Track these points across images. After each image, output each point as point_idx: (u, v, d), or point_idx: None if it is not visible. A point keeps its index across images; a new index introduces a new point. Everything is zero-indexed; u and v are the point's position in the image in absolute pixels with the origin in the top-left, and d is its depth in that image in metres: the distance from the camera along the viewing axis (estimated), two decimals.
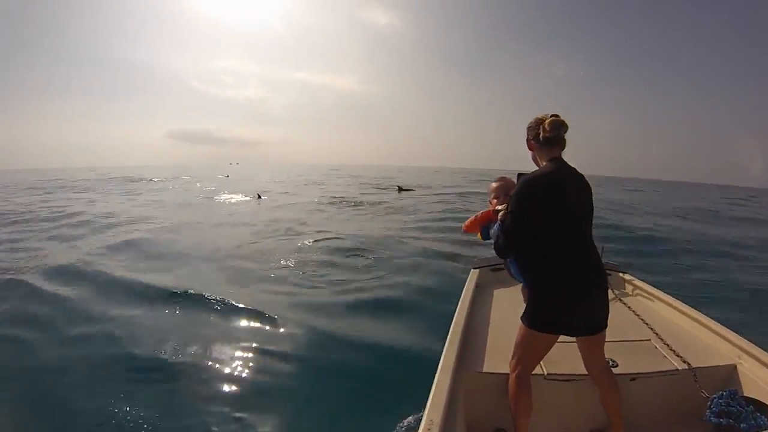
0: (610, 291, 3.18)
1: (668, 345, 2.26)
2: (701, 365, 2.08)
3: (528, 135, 1.86)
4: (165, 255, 7.43)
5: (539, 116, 1.81)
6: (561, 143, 1.80)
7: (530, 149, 1.89)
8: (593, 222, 1.85)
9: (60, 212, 13.68)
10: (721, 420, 1.71)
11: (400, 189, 23.91)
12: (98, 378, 3.25)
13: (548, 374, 1.99)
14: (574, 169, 1.79)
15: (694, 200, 30.20)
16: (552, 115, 1.77)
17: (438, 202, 18.64)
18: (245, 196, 21.48)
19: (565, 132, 1.77)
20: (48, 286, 5.39)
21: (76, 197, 20.35)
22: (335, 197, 19.82)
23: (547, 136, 1.76)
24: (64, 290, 5.25)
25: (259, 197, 21.32)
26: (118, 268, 6.40)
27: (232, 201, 19.66)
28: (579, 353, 1.85)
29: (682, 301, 2.88)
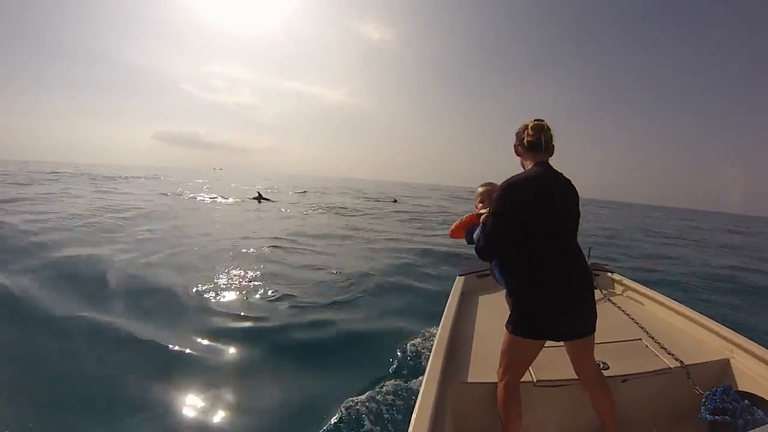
0: (598, 291, 3.17)
1: (659, 343, 2.22)
2: (694, 362, 2.03)
3: (515, 140, 1.85)
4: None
5: (526, 122, 1.81)
6: (548, 149, 1.77)
7: (518, 155, 1.87)
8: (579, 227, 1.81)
9: None
10: (717, 417, 1.66)
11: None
12: None
13: (537, 381, 1.92)
14: (560, 173, 1.76)
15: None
16: (535, 120, 1.77)
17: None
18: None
19: (549, 136, 1.75)
20: None
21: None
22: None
23: (530, 140, 1.74)
24: None
25: (260, 197, 20.65)
26: None
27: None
28: (568, 358, 1.79)
29: (672, 298, 2.86)
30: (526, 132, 1.76)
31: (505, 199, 1.68)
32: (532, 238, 1.66)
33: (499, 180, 1.87)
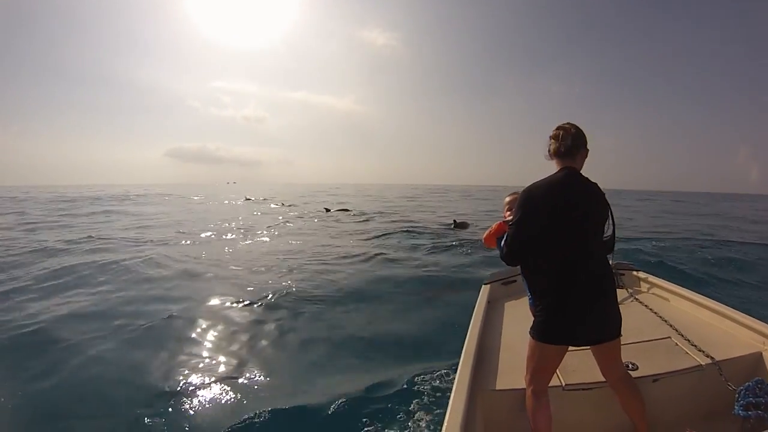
0: (623, 290, 3.13)
1: (689, 341, 2.19)
2: (725, 357, 2.01)
3: (547, 146, 1.85)
4: None
5: (559, 126, 1.81)
6: (570, 154, 1.75)
7: (550, 159, 1.86)
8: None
9: None
10: (750, 413, 1.65)
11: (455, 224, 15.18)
12: None
13: (566, 385, 1.94)
14: (585, 177, 1.77)
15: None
16: (557, 127, 1.79)
17: None
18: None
19: (569, 142, 1.74)
20: None
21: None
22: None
23: (551, 148, 1.78)
24: None
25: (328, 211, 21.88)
26: None
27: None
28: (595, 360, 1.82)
29: (700, 294, 2.81)
30: (555, 138, 1.78)
31: (525, 204, 1.72)
32: (551, 244, 1.69)
33: (509, 189, 1.91)
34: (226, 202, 32.94)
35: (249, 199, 36.24)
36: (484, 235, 2.18)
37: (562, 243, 1.69)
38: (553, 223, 1.68)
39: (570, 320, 1.68)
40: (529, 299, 1.83)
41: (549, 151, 1.82)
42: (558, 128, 1.79)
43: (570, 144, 1.75)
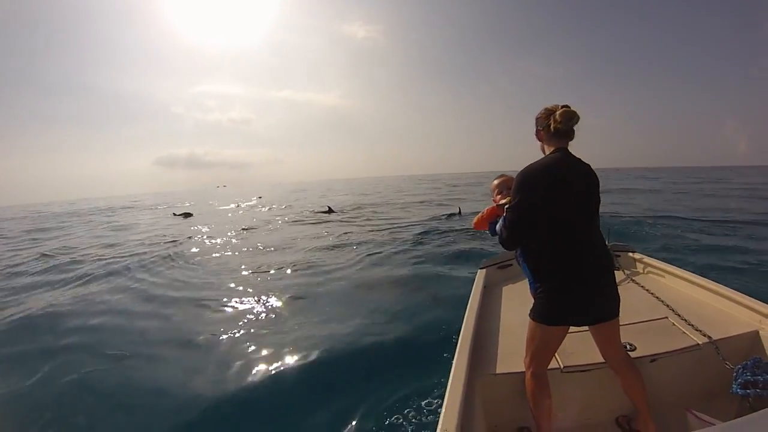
0: (620, 272, 3.15)
1: (686, 320, 2.20)
2: (722, 336, 2.02)
3: (537, 126, 1.83)
4: None
5: (549, 107, 1.78)
6: (570, 136, 1.76)
7: (539, 140, 1.86)
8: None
9: None
10: (748, 391, 1.65)
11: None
12: None
13: (565, 367, 1.94)
14: (579, 159, 1.76)
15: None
16: (563, 106, 1.74)
17: None
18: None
19: (576, 123, 1.73)
20: None
21: None
22: None
23: (558, 127, 1.72)
24: None
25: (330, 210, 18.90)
26: None
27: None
28: (594, 342, 1.81)
29: (696, 273, 2.82)
30: (552, 118, 1.74)
31: (523, 187, 1.69)
32: (550, 226, 1.67)
33: (505, 168, 1.87)
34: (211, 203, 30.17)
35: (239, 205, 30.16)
36: (475, 219, 2.14)
37: (562, 224, 1.67)
38: (553, 204, 1.66)
39: (572, 301, 1.67)
40: (530, 282, 1.81)
41: (544, 129, 1.79)
42: (564, 107, 1.73)
43: (572, 125, 1.73)
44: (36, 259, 10.58)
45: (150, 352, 4.19)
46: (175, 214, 23.77)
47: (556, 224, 1.67)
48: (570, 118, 1.71)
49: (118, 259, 9.46)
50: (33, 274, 8.74)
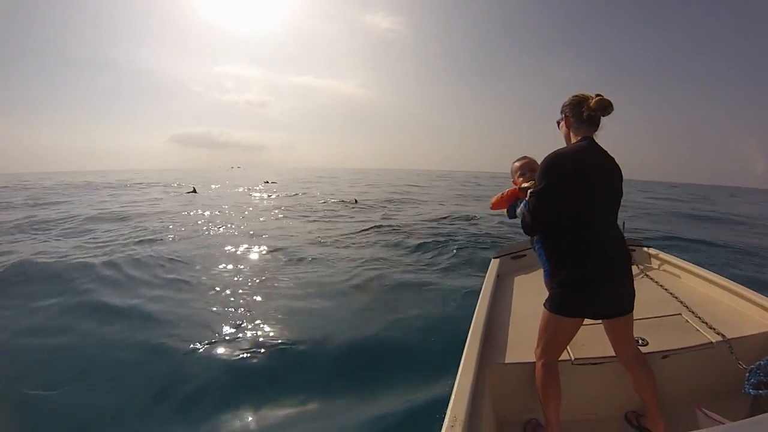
0: (634, 267, 3.11)
1: (700, 318, 2.18)
2: (736, 335, 2.00)
3: (564, 112, 1.81)
4: None
5: (579, 94, 1.77)
6: (598, 124, 1.75)
7: (566, 126, 1.82)
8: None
9: None
10: (760, 391, 1.65)
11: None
12: None
13: (575, 359, 1.95)
14: (605, 150, 1.74)
15: None
16: (597, 95, 1.72)
17: None
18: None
19: (609, 113, 1.72)
20: None
21: None
22: None
23: (591, 114, 1.71)
24: None
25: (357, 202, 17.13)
26: None
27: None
28: (605, 335, 1.81)
29: (712, 271, 2.79)
30: (586, 105, 1.71)
31: (549, 173, 1.66)
32: (573, 215, 1.66)
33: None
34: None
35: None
36: (494, 200, 2.09)
37: (584, 215, 1.66)
38: (578, 193, 1.64)
39: (590, 293, 1.66)
40: (545, 271, 1.80)
41: (574, 116, 1.76)
42: (599, 95, 1.71)
43: (606, 114, 1.71)
44: None
45: None
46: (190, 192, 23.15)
47: (578, 214, 1.66)
48: (605, 107, 1.70)
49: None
50: None
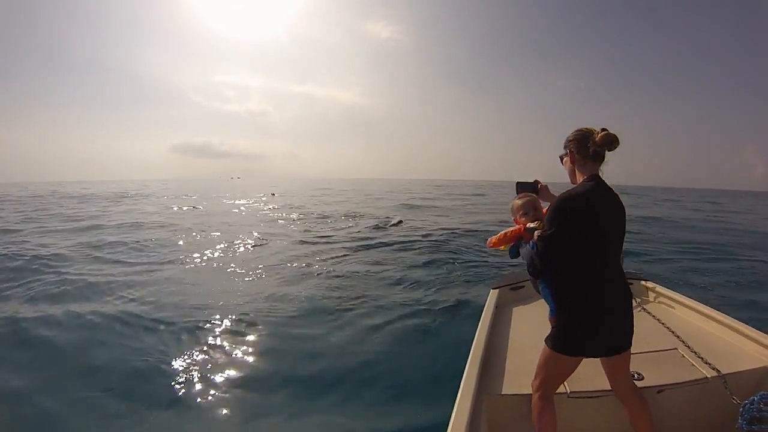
0: (632, 300, 3.13)
1: (696, 352, 2.21)
2: (731, 371, 2.03)
3: (570, 148, 1.78)
4: None
5: (583, 129, 1.75)
6: (602, 159, 1.73)
7: (571, 162, 1.80)
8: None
9: None
10: (754, 427, 1.66)
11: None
12: None
13: (571, 392, 1.96)
14: (611, 188, 1.73)
15: None
16: (602, 129, 1.70)
17: None
18: None
19: (616, 148, 1.70)
20: None
21: None
22: None
23: (598, 149, 1.69)
24: None
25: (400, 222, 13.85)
26: None
27: None
28: (602, 368, 1.84)
29: (708, 305, 2.82)
30: (591, 140, 1.69)
31: (559, 218, 1.66)
32: (583, 258, 1.67)
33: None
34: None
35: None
36: (494, 239, 2.00)
37: (593, 256, 1.68)
38: (588, 237, 1.65)
39: (593, 333, 1.69)
40: (551, 309, 1.82)
41: (579, 153, 1.74)
42: (593, 130, 1.71)
43: (612, 149, 1.70)
44: None
45: None
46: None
47: (587, 256, 1.67)
48: (611, 141, 1.67)
49: None
50: None
